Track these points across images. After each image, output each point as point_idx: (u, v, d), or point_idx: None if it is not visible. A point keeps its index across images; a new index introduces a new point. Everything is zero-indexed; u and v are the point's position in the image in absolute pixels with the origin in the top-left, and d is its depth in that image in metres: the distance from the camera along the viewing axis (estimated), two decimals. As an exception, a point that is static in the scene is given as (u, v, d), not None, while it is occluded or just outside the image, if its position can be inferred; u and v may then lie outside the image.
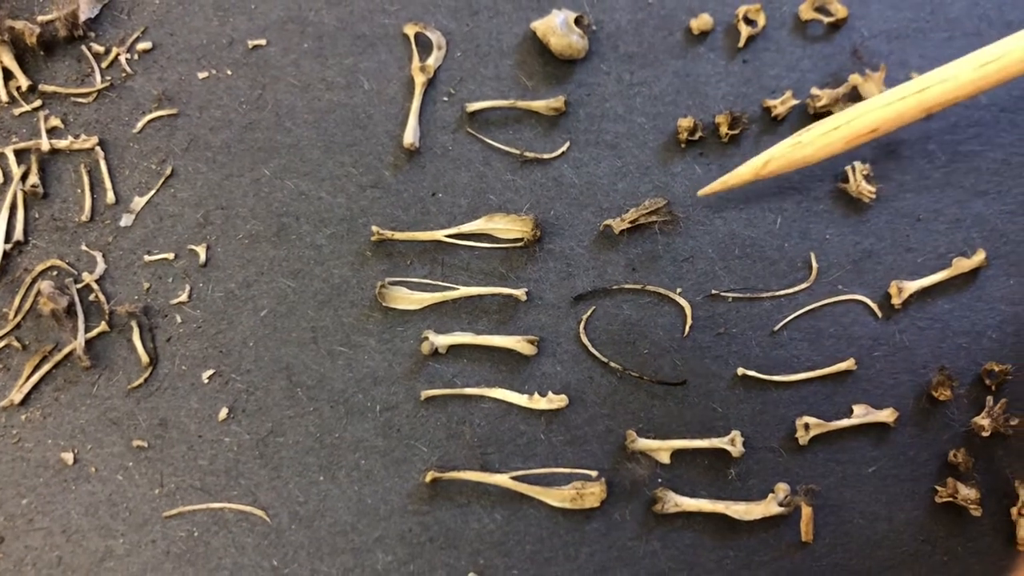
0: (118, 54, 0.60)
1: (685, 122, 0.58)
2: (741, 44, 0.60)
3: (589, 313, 0.56)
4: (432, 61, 0.60)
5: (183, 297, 0.56)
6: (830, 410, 0.54)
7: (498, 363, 0.55)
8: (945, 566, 0.52)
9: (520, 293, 0.55)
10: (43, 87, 0.59)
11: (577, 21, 0.60)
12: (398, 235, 0.56)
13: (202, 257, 0.56)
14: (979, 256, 0.56)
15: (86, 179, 0.57)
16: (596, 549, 0.52)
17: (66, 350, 0.54)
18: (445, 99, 0.60)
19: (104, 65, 0.60)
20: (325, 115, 0.59)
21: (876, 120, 0.47)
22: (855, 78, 0.58)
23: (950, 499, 0.52)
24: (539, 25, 0.59)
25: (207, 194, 0.57)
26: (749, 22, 0.61)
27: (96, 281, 0.56)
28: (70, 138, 0.58)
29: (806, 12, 0.61)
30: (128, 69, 0.59)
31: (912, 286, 0.56)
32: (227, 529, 0.52)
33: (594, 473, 0.53)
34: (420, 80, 0.59)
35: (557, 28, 0.59)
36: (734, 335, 0.56)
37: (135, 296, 0.56)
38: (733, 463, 0.53)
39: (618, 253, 0.57)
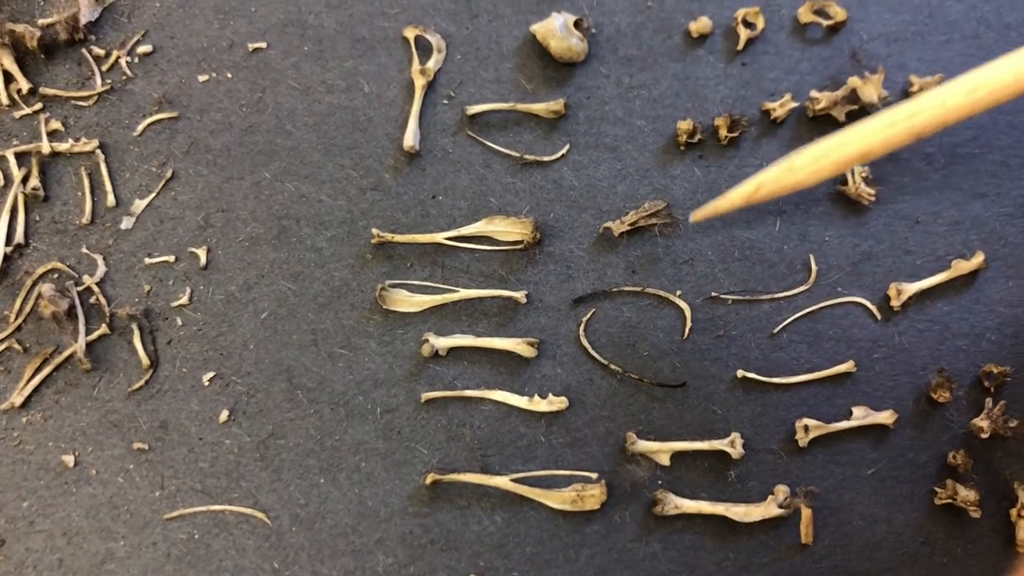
0: (118, 57, 0.60)
1: (684, 125, 0.58)
2: (740, 47, 0.61)
3: (589, 315, 0.56)
4: (432, 64, 0.60)
5: (184, 300, 0.56)
6: (830, 412, 0.54)
7: (498, 365, 0.55)
8: (944, 568, 0.52)
9: (520, 295, 0.56)
10: (44, 90, 0.59)
11: (577, 24, 0.60)
12: (398, 238, 0.56)
13: (202, 260, 0.56)
14: (978, 258, 0.57)
15: (87, 182, 0.57)
16: (596, 551, 0.52)
17: (67, 353, 0.55)
18: (445, 102, 0.60)
19: (105, 68, 0.60)
20: (325, 118, 0.59)
21: (866, 145, 0.47)
22: (854, 81, 0.59)
23: (949, 501, 0.53)
24: (539, 28, 0.60)
25: (207, 197, 0.58)
26: (748, 25, 0.61)
27: (97, 284, 0.56)
28: (71, 141, 0.58)
29: (805, 15, 0.61)
30: (128, 72, 0.60)
31: (911, 288, 0.56)
32: (228, 531, 0.52)
33: (594, 475, 0.53)
34: (420, 83, 0.59)
35: (557, 31, 0.59)
36: (734, 337, 0.56)
37: (136, 299, 0.56)
38: (733, 465, 0.54)
39: (618, 255, 0.57)
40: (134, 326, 0.55)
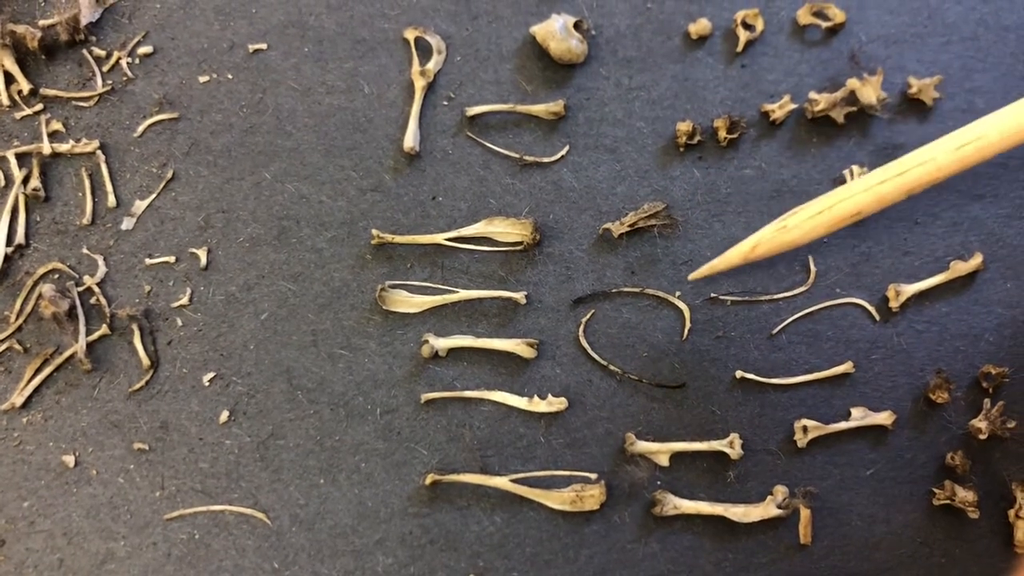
0: (119, 58, 0.60)
1: (684, 126, 0.58)
2: (739, 49, 0.61)
3: (588, 316, 0.56)
4: (432, 65, 0.60)
5: (184, 300, 0.56)
6: (828, 413, 0.55)
7: (498, 366, 0.55)
8: (943, 568, 0.53)
9: (520, 296, 0.56)
10: (44, 91, 0.59)
11: (576, 26, 0.60)
12: (398, 238, 0.56)
13: (203, 260, 0.56)
14: (976, 259, 0.57)
15: (87, 183, 0.58)
16: (595, 551, 0.52)
17: (67, 353, 0.55)
18: (445, 103, 0.60)
19: (105, 69, 0.60)
20: (325, 119, 0.59)
21: (859, 204, 0.49)
22: (853, 82, 0.59)
23: (948, 501, 0.53)
24: (538, 30, 0.60)
25: (208, 198, 0.58)
26: (747, 27, 0.61)
27: (97, 284, 0.56)
28: (71, 142, 0.58)
29: (804, 17, 0.61)
30: (129, 73, 0.60)
31: (910, 289, 0.56)
32: (228, 531, 0.52)
33: (593, 476, 0.53)
34: (420, 84, 0.59)
35: (556, 33, 0.59)
36: (733, 338, 0.56)
37: (136, 299, 0.56)
38: (732, 465, 0.54)
39: (617, 256, 0.57)
40: (134, 326, 0.55)
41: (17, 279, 0.56)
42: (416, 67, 0.60)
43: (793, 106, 0.59)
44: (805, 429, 0.54)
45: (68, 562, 0.52)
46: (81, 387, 0.54)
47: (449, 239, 0.57)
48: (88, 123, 0.59)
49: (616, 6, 0.61)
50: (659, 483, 0.53)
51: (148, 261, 0.56)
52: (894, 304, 0.56)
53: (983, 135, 0.48)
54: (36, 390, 0.54)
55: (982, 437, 0.53)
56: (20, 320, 0.55)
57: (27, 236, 0.57)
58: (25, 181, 0.57)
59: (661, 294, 0.56)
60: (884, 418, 0.54)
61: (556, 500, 0.52)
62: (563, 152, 0.59)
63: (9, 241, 0.56)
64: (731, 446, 0.53)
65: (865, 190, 0.50)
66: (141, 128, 0.59)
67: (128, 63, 0.60)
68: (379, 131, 0.59)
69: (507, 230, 0.57)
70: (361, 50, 0.60)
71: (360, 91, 0.60)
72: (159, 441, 0.54)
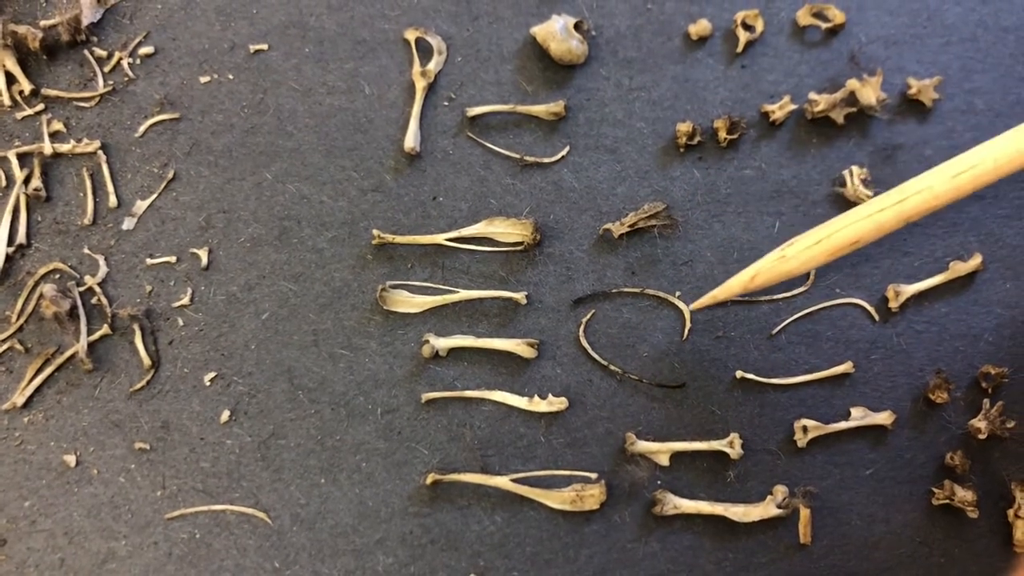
0: (120, 58, 0.60)
1: (684, 127, 0.58)
2: (739, 49, 0.61)
3: (589, 316, 0.56)
4: (432, 66, 0.60)
5: (185, 300, 0.56)
6: (828, 413, 0.55)
7: (498, 366, 0.55)
8: (942, 568, 0.53)
9: (520, 296, 0.56)
10: (46, 91, 0.59)
11: (577, 26, 0.60)
12: (399, 239, 0.57)
13: (204, 260, 0.56)
14: (975, 260, 0.57)
15: (88, 183, 0.58)
16: (596, 551, 0.52)
17: (68, 353, 0.55)
18: (445, 104, 0.60)
19: (106, 69, 0.60)
20: (326, 119, 0.59)
21: (857, 233, 0.50)
22: (852, 83, 0.59)
23: (947, 501, 0.53)
24: (539, 30, 0.60)
25: (209, 198, 0.58)
26: (747, 28, 0.61)
27: (98, 284, 0.56)
28: (72, 142, 0.58)
29: (804, 18, 0.61)
30: (130, 73, 0.60)
31: (909, 290, 0.56)
32: (229, 531, 0.52)
33: (594, 475, 0.53)
34: (421, 85, 0.59)
35: (557, 33, 0.59)
36: (733, 338, 0.56)
37: (137, 299, 0.56)
38: (732, 465, 0.54)
39: (617, 257, 0.57)
40: (135, 326, 0.55)
41: (18, 279, 0.56)
42: (417, 68, 0.60)
43: (793, 107, 0.59)
44: (805, 429, 0.54)
45: (69, 561, 0.52)
46: (82, 387, 0.55)
47: (450, 239, 0.57)
48: (89, 123, 0.59)
49: (616, 7, 0.61)
50: (659, 483, 0.54)
51: (149, 261, 0.57)
52: (894, 304, 0.56)
53: (979, 163, 0.49)
54: (37, 390, 0.54)
55: (981, 437, 0.54)
56: (21, 320, 0.55)
57: (28, 236, 0.57)
58: (26, 181, 0.57)
59: (661, 294, 0.57)
60: (884, 418, 0.54)
61: (556, 500, 0.52)
62: (563, 152, 0.59)
63: (10, 241, 0.57)
64: (731, 446, 0.53)
65: (863, 218, 0.50)
66: (142, 128, 0.59)
67: (129, 63, 0.60)
68: (380, 131, 0.59)
69: (508, 230, 0.57)
70: (362, 51, 0.61)
71: (361, 92, 0.60)
72: (160, 441, 0.54)
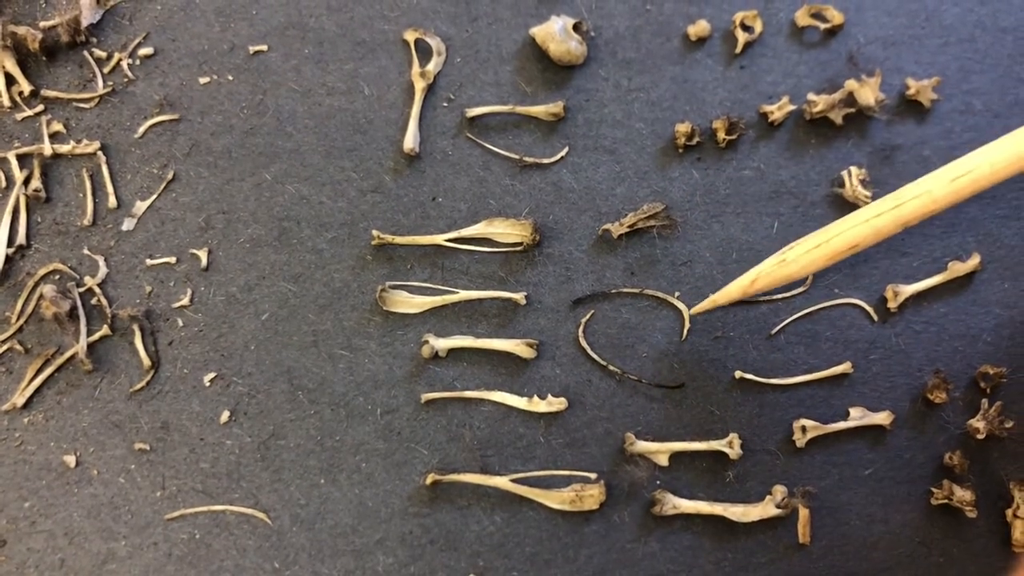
0: (120, 59, 0.60)
1: (683, 127, 0.58)
2: (738, 50, 0.61)
3: (588, 317, 0.56)
4: (432, 67, 0.60)
5: (185, 301, 0.56)
6: (827, 413, 0.55)
7: (498, 366, 0.55)
8: (941, 568, 0.53)
9: (519, 297, 0.56)
10: (45, 92, 0.59)
11: (576, 27, 0.60)
12: (398, 239, 0.57)
13: (203, 261, 0.57)
14: (974, 260, 0.57)
15: (88, 183, 0.58)
16: (595, 551, 0.53)
17: (68, 353, 0.55)
18: (445, 104, 0.60)
19: (106, 70, 0.60)
20: (326, 120, 0.59)
21: (855, 237, 0.50)
22: (851, 84, 0.59)
23: (946, 501, 0.53)
24: (538, 31, 0.60)
25: (208, 198, 0.58)
26: (746, 28, 0.61)
27: (98, 285, 0.56)
28: (72, 143, 0.58)
29: (803, 18, 0.61)
30: (130, 74, 0.60)
31: (908, 290, 0.57)
32: (228, 531, 0.52)
33: (593, 475, 0.53)
34: (420, 85, 0.59)
35: (556, 34, 0.59)
36: (732, 339, 0.56)
37: (137, 300, 0.56)
38: (731, 465, 0.54)
39: (617, 257, 0.57)
40: (135, 327, 0.55)
41: (18, 280, 0.56)
42: (416, 69, 0.60)
43: (792, 107, 0.59)
44: (804, 429, 0.54)
45: (69, 562, 0.52)
46: (82, 387, 0.55)
47: (449, 240, 0.57)
48: (89, 124, 0.59)
49: (615, 8, 0.62)
50: (658, 483, 0.54)
51: (149, 262, 0.57)
52: (892, 304, 0.56)
53: (976, 167, 0.50)
54: (37, 390, 0.54)
55: (980, 437, 0.54)
56: (21, 321, 0.55)
57: (28, 237, 0.57)
58: (26, 182, 0.58)
59: (660, 295, 0.57)
60: (882, 418, 0.54)
61: (556, 500, 0.53)
62: (562, 153, 0.59)
63: (10, 242, 0.57)
64: (730, 446, 0.53)
65: (862, 223, 0.51)
66: (142, 129, 0.59)
67: (129, 64, 0.60)
68: (379, 132, 0.59)
69: (507, 231, 0.57)
70: (361, 52, 0.61)
71: (360, 92, 0.60)
72: (160, 441, 0.54)
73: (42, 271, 0.56)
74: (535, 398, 0.54)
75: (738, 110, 0.60)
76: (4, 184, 0.58)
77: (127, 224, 0.57)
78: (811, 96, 0.59)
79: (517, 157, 0.59)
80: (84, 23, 0.60)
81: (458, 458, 0.54)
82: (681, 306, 0.56)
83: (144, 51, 0.60)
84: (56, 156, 0.58)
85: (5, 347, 0.55)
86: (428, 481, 0.53)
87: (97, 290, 0.56)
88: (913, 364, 0.56)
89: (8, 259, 0.56)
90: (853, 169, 0.58)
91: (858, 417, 0.54)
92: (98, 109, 0.59)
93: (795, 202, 0.58)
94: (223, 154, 0.59)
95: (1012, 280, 0.57)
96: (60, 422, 0.54)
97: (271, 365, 0.55)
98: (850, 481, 0.54)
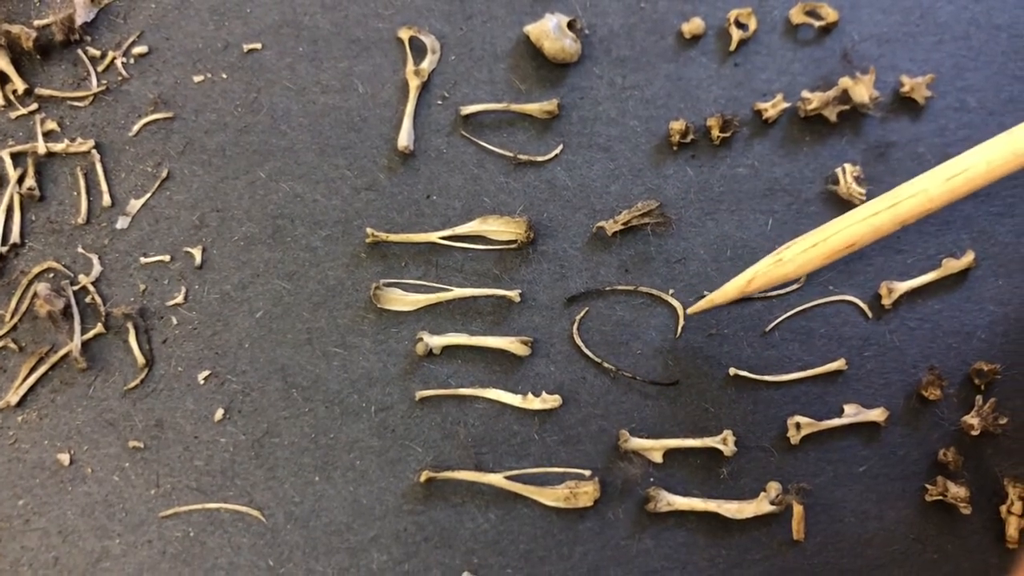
0: (114, 58, 0.60)
1: (677, 125, 0.59)
2: (732, 48, 0.61)
3: (582, 314, 0.56)
4: (426, 65, 0.60)
5: (179, 299, 0.56)
6: (821, 410, 0.55)
7: (492, 364, 0.55)
8: (935, 564, 0.53)
9: (514, 294, 0.56)
10: (39, 91, 0.59)
11: (570, 25, 0.60)
12: (392, 237, 0.57)
13: (198, 259, 0.57)
14: (968, 257, 0.57)
15: (82, 182, 0.58)
16: (589, 548, 0.52)
17: (62, 352, 0.55)
18: (439, 102, 0.60)
19: (100, 69, 0.60)
20: (320, 118, 0.59)
21: (853, 236, 0.51)
22: (845, 81, 0.59)
23: (940, 497, 0.53)
24: (532, 29, 0.60)
25: (203, 197, 0.58)
26: (740, 26, 0.61)
27: (92, 283, 0.56)
28: (66, 141, 0.58)
29: (797, 16, 0.61)
30: (124, 73, 0.60)
31: (902, 287, 0.57)
32: (223, 529, 0.52)
33: (587, 472, 0.53)
34: (414, 83, 0.59)
35: (550, 32, 0.59)
36: (726, 336, 0.56)
37: (131, 298, 0.56)
38: (725, 462, 0.54)
39: (611, 255, 0.57)
40: (129, 325, 0.55)
41: (12, 278, 0.56)
42: (410, 66, 0.60)
43: (786, 105, 0.59)
44: (798, 426, 0.54)
45: (63, 560, 0.52)
46: (76, 385, 0.55)
47: (443, 237, 0.57)
48: (83, 123, 0.59)
49: (609, 5, 0.62)
50: (652, 480, 0.54)
51: (143, 260, 0.57)
52: (886, 301, 0.56)
53: (971, 166, 0.50)
54: (31, 389, 0.54)
55: (974, 433, 0.54)
56: (15, 319, 0.55)
57: (22, 235, 0.57)
58: (20, 180, 0.57)
59: (655, 292, 0.57)
60: (877, 415, 0.54)
61: (550, 497, 0.53)
62: (557, 151, 0.59)
63: (4, 240, 0.57)
64: (724, 443, 0.53)
65: (858, 222, 0.51)
66: (136, 127, 0.59)
67: (123, 63, 0.60)
68: (373, 130, 0.59)
69: (501, 228, 0.57)
70: (355, 50, 0.61)
71: (355, 90, 0.60)
72: (154, 439, 0.54)
73: (36, 269, 0.56)
74: (529, 395, 0.54)
75: (732, 108, 0.60)
76: (-2, 182, 0.58)
77: (121, 222, 0.57)
78: (805, 93, 0.59)
79: (511, 155, 0.59)
80: (78, 21, 0.60)
81: (452, 455, 0.54)
82: (675, 303, 0.56)
83: (138, 49, 0.60)
84: (50, 154, 0.58)
85: (-1, 345, 0.55)
86: (422, 478, 0.53)
87: (91, 288, 0.56)
88: (907, 361, 0.56)
89: (2, 257, 0.56)
90: (847, 166, 0.58)
91: (852, 414, 0.54)
92: (92, 107, 0.59)
93: (789, 199, 0.58)
94: (217, 152, 0.59)
95: (1006, 277, 0.57)
96: (54, 420, 0.54)
97: (265, 363, 0.55)
98: (844, 478, 0.54)
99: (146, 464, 0.53)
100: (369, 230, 0.56)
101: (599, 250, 0.57)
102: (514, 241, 0.57)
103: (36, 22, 0.60)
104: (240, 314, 0.56)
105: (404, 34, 0.61)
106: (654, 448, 0.54)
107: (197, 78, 0.60)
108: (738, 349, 0.56)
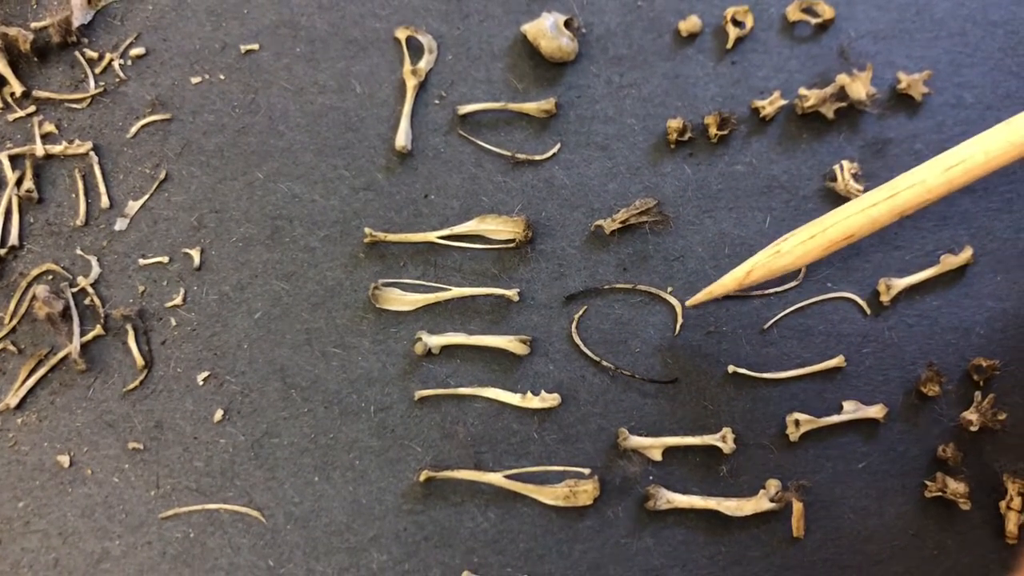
0: (112, 60, 0.60)
1: (674, 123, 0.59)
2: (729, 46, 0.61)
3: (581, 313, 0.56)
4: (423, 64, 0.60)
5: (178, 300, 0.56)
6: (820, 407, 0.55)
7: (491, 363, 0.55)
8: (935, 559, 0.53)
9: (512, 293, 0.56)
10: (37, 93, 0.59)
11: (567, 24, 0.60)
12: (391, 237, 0.57)
13: (196, 260, 0.57)
14: (966, 253, 0.57)
15: (80, 184, 0.58)
16: (589, 546, 0.53)
17: (61, 354, 0.55)
18: (436, 102, 0.60)
19: (98, 71, 0.60)
20: (318, 118, 0.59)
21: (851, 227, 0.50)
22: (842, 78, 0.59)
23: (939, 493, 0.53)
24: (529, 28, 0.60)
25: (201, 198, 0.58)
26: (737, 24, 0.61)
27: (91, 285, 0.56)
28: (64, 143, 0.58)
29: (793, 13, 0.61)
30: (121, 75, 0.60)
31: (900, 283, 0.57)
32: (223, 530, 0.52)
33: (587, 471, 0.53)
34: (411, 83, 0.60)
35: (547, 31, 0.59)
36: (724, 333, 0.56)
37: (130, 299, 0.56)
38: (724, 460, 0.54)
39: (609, 253, 0.57)
40: (128, 327, 0.55)
41: (11, 280, 0.56)
42: (407, 66, 0.60)
43: (783, 102, 0.59)
44: (797, 423, 0.54)
45: (64, 562, 0.52)
46: (75, 387, 0.55)
47: (442, 237, 0.57)
48: (81, 125, 0.59)
49: (606, 4, 0.62)
50: (652, 478, 0.54)
51: (142, 261, 0.57)
52: (885, 298, 0.56)
53: (969, 157, 0.50)
54: (30, 391, 0.54)
55: (973, 429, 0.54)
56: (14, 321, 0.55)
57: (21, 237, 0.57)
58: (18, 183, 0.58)
59: (653, 290, 0.57)
60: (876, 411, 0.54)
61: (549, 496, 0.53)
62: (555, 150, 0.59)
63: (3, 243, 0.57)
64: (723, 440, 0.53)
65: (857, 213, 0.50)
66: (134, 129, 0.59)
67: (120, 65, 0.60)
68: (371, 130, 0.59)
69: (499, 228, 0.57)
70: (353, 50, 0.61)
71: (352, 91, 0.60)
72: (154, 440, 0.54)
73: (35, 271, 0.56)
74: (528, 394, 0.54)
75: (730, 105, 0.60)
76: (-4, 185, 0.58)
77: (120, 224, 0.57)
78: (802, 91, 0.59)
79: (509, 154, 0.59)
80: (75, 24, 0.60)
81: (452, 455, 0.54)
82: (674, 301, 0.56)
83: (136, 51, 0.60)
84: (48, 157, 0.58)
85: (-2, 348, 0.55)
86: (422, 478, 0.53)
87: (90, 290, 0.56)
88: (906, 357, 0.56)
89: (1, 260, 0.56)
90: (845, 163, 0.58)
91: (851, 411, 0.54)
92: (90, 109, 0.59)
93: (787, 196, 0.58)
94: (215, 153, 0.59)
95: (1004, 273, 0.57)
96: (53, 422, 0.54)
97: (264, 364, 0.55)
98: (844, 474, 0.54)
99: (146, 465, 0.53)
100: (367, 230, 0.56)
101: (597, 249, 0.57)
102: (512, 240, 0.57)
103: (33, 24, 0.60)
104: (239, 315, 0.56)
105: (401, 34, 0.61)
106: (653, 446, 0.54)
107: (194, 79, 0.60)
108: (737, 347, 0.56)
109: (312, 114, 0.59)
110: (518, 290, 0.56)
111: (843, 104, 0.59)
